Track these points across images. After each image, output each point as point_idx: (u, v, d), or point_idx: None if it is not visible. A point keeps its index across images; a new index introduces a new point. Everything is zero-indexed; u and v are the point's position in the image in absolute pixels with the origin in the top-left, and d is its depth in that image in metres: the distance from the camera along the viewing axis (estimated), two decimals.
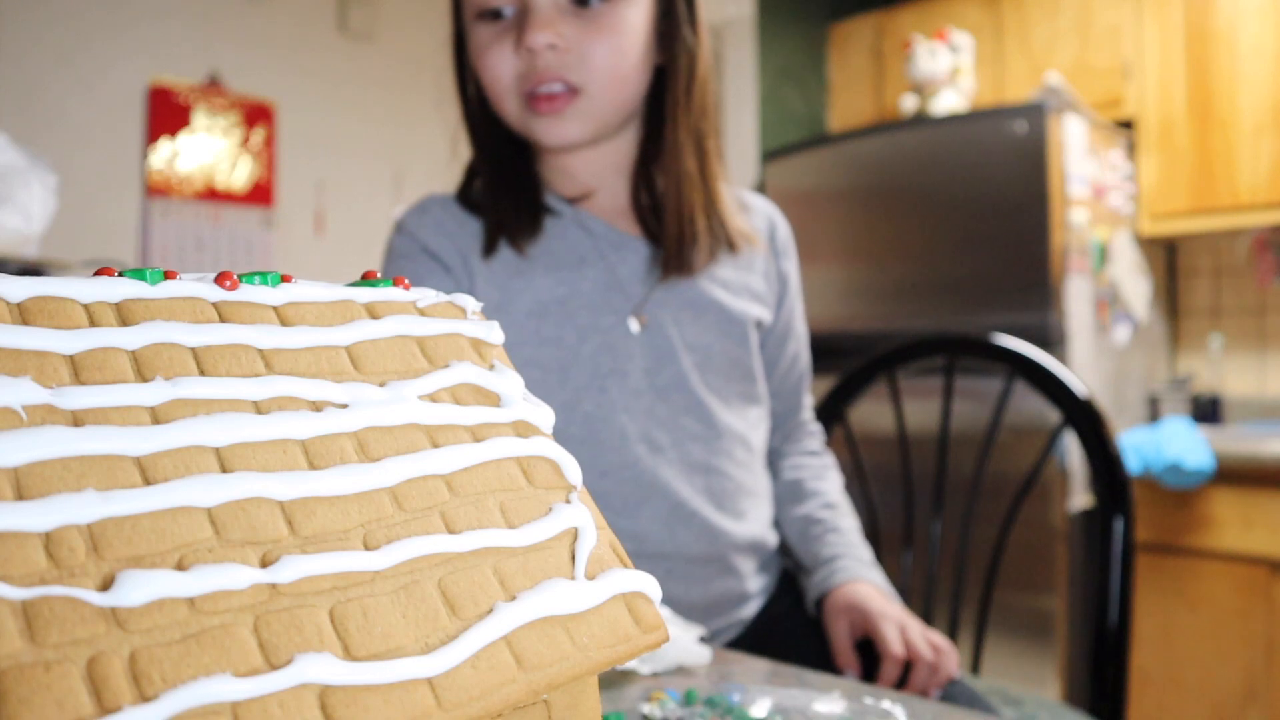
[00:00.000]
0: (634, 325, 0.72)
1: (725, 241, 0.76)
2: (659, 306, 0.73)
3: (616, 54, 0.68)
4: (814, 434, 0.87)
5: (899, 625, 0.66)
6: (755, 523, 0.77)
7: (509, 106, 0.70)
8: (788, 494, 0.82)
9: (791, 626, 0.75)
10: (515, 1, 0.68)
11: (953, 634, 0.95)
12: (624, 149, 0.76)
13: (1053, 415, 1.86)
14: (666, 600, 0.72)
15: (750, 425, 0.78)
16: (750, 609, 0.77)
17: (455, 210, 0.75)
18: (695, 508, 0.73)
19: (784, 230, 0.84)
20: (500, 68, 0.69)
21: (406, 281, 0.33)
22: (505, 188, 0.73)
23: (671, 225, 0.73)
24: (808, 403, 0.87)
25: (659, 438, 0.72)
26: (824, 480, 0.82)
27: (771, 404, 0.84)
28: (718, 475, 0.75)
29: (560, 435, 0.70)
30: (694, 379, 0.74)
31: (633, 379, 0.72)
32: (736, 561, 0.75)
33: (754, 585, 0.78)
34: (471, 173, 0.78)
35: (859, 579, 0.71)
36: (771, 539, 0.79)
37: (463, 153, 0.79)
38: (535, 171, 0.76)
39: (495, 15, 0.68)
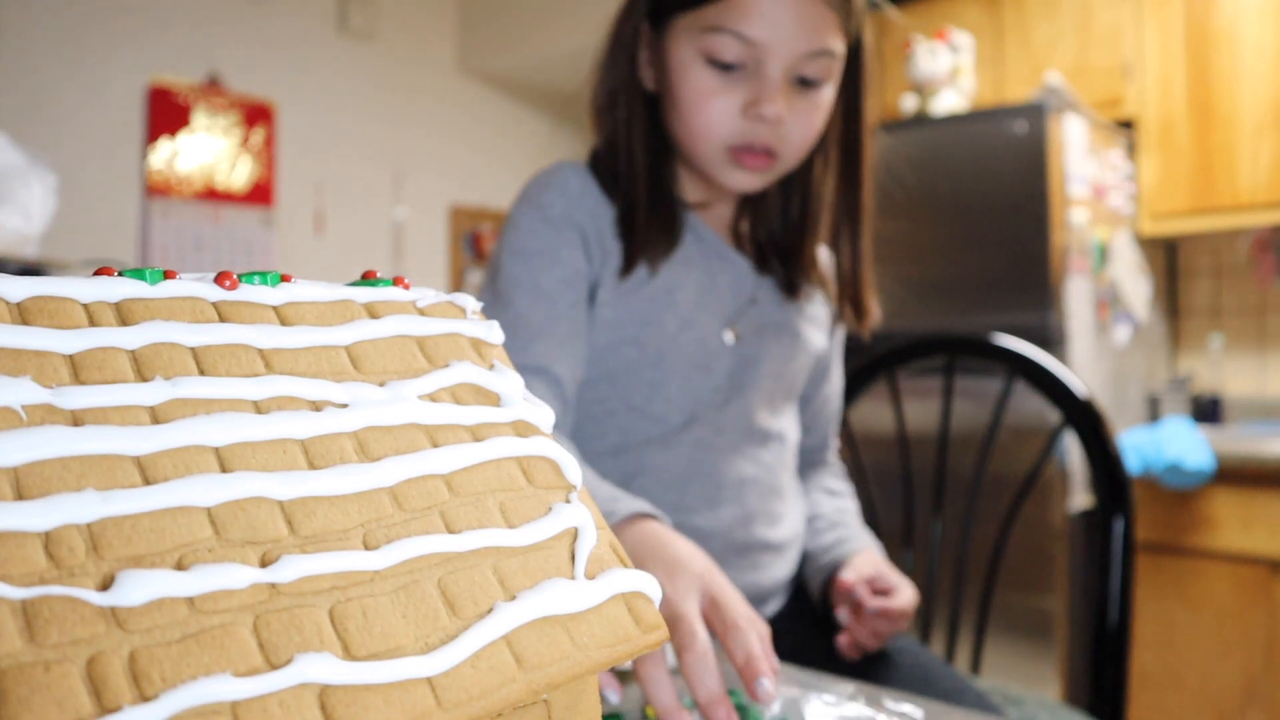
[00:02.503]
0: (729, 337, 0.78)
1: (869, 313, 0.84)
2: (751, 322, 0.79)
3: (813, 131, 0.74)
4: (836, 473, 0.91)
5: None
6: (787, 527, 0.80)
7: (709, 150, 0.73)
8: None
9: (799, 629, 0.76)
10: (749, 62, 0.70)
11: (952, 634, 0.95)
12: None
13: (1053, 415, 1.86)
14: None
15: (794, 431, 0.85)
16: (769, 608, 0.79)
17: (593, 185, 0.78)
18: (737, 494, 0.77)
19: None
20: (719, 116, 0.71)
21: (406, 281, 0.33)
22: (656, 213, 0.76)
23: (809, 266, 0.81)
24: (834, 444, 0.91)
25: (724, 427, 0.78)
26: (833, 502, 0.87)
27: (802, 437, 0.88)
28: (766, 470, 0.79)
29: (640, 411, 0.76)
30: (765, 388, 0.79)
31: (715, 376, 0.77)
32: (764, 559, 0.78)
33: (776, 587, 0.79)
34: (599, 156, 0.80)
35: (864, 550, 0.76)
36: (798, 546, 0.82)
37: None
38: (675, 188, 0.79)
39: (724, 66, 0.71)
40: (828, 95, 0.73)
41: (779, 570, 0.79)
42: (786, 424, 0.83)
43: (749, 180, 0.74)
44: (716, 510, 0.76)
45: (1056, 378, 0.88)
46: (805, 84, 0.72)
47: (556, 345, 0.71)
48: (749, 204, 0.82)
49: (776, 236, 0.82)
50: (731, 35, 0.69)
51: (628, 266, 0.75)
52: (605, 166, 0.78)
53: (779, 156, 0.73)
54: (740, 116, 0.71)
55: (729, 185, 0.75)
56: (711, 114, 0.71)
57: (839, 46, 0.72)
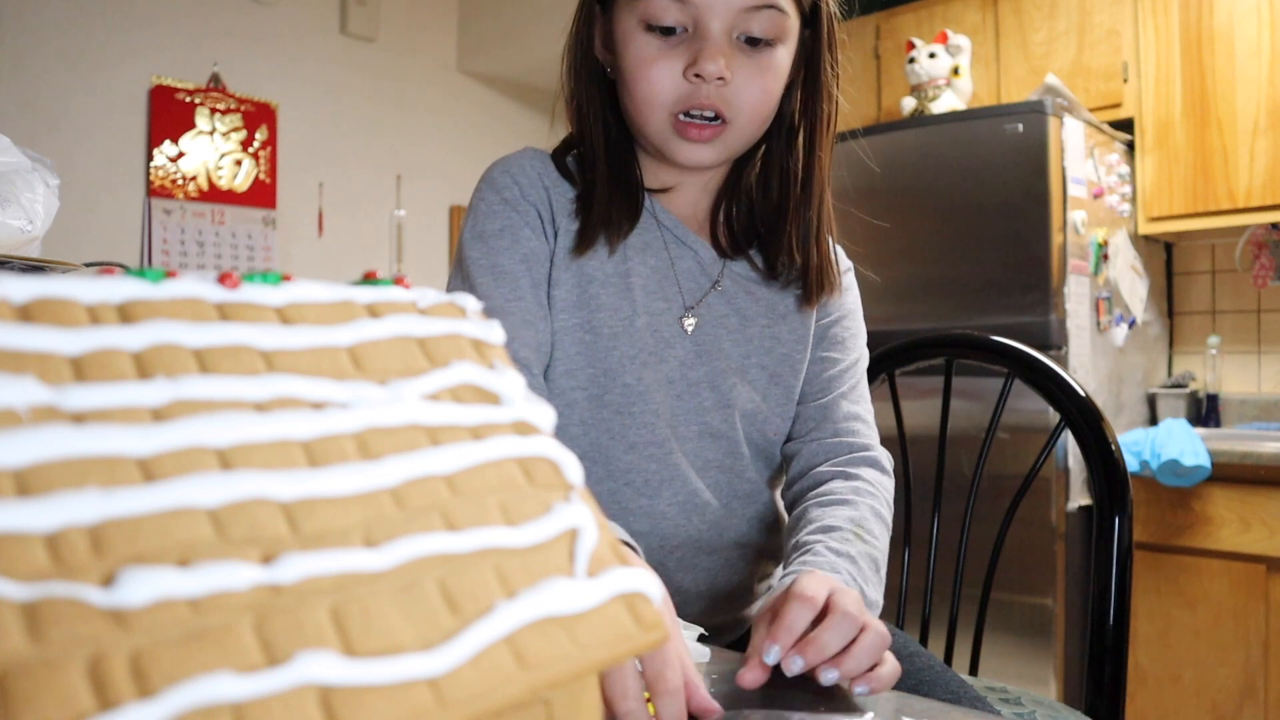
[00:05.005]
0: (689, 322, 0.76)
1: (823, 285, 0.79)
2: (713, 310, 0.77)
3: (765, 94, 0.71)
4: (873, 462, 0.78)
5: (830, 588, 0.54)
6: (767, 526, 0.79)
7: (656, 119, 0.71)
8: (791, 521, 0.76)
9: None
10: (689, 24, 0.69)
11: (951, 633, 0.95)
12: (717, 174, 0.80)
13: (1053, 415, 1.86)
14: (674, 588, 0.73)
15: (774, 437, 0.80)
16: (756, 608, 0.78)
17: (552, 168, 0.77)
18: (708, 499, 0.75)
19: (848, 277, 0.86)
20: (662, 83, 0.70)
21: (407, 281, 0.33)
22: (616, 189, 0.75)
23: (800, 256, 0.77)
24: (859, 428, 0.80)
25: (682, 429, 0.75)
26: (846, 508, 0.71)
27: (810, 428, 0.80)
28: (730, 475, 0.77)
29: (599, 401, 0.73)
30: (725, 383, 0.76)
31: (668, 366, 0.75)
32: (744, 558, 0.77)
33: (761, 585, 0.78)
34: (569, 144, 0.80)
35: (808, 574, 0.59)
36: (774, 547, 0.80)
37: (559, 130, 0.81)
38: (637, 169, 0.78)
39: (665, 31, 0.69)
40: (780, 56, 0.71)
41: (762, 567, 0.78)
42: (760, 437, 0.78)
43: (698, 152, 0.72)
44: (689, 517, 0.74)
45: (1056, 377, 0.88)
46: (753, 43, 0.70)
47: (520, 326, 0.70)
48: (728, 189, 0.80)
49: (756, 221, 0.80)
50: None
51: (585, 243, 0.73)
52: (572, 152, 0.78)
53: (728, 122, 0.71)
54: (683, 80, 0.69)
55: (679, 159, 0.73)
56: (654, 80, 0.70)
57: (786, 2, 0.70)
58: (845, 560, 0.64)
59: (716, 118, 0.70)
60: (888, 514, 0.73)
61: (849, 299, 0.84)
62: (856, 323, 0.85)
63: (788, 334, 0.79)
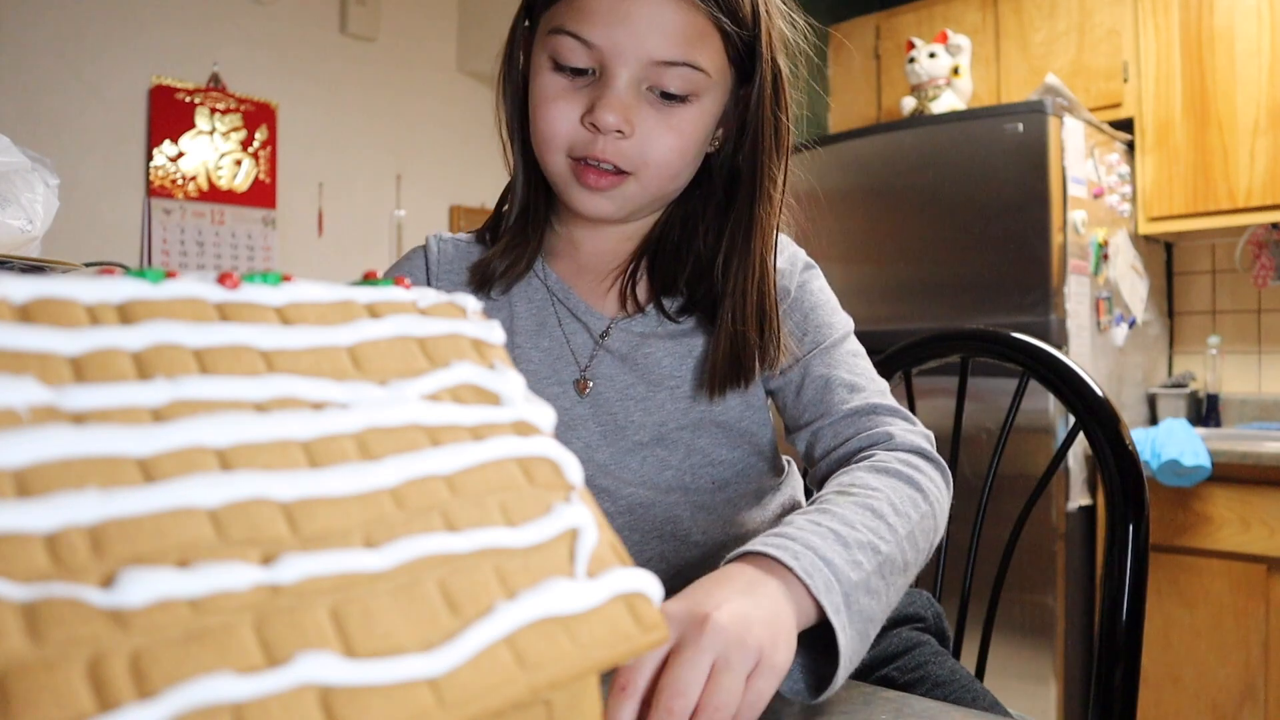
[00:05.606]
0: (582, 390, 0.71)
1: (774, 348, 0.69)
2: (601, 363, 0.71)
3: (675, 153, 0.66)
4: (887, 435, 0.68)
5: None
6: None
7: (553, 161, 0.67)
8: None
9: None
10: (596, 67, 0.64)
11: (959, 635, 0.95)
12: (643, 221, 0.75)
13: (1052, 413, 1.86)
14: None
15: (715, 467, 0.72)
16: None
17: (428, 256, 0.77)
18: (697, 553, 0.70)
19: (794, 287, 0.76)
20: (559, 124, 0.65)
21: (407, 281, 0.33)
22: (514, 240, 0.72)
23: (744, 324, 0.68)
24: (856, 399, 0.70)
25: (619, 495, 0.70)
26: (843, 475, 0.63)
27: (816, 426, 0.72)
28: (711, 515, 0.72)
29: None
30: (639, 440, 0.70)
31: (586, 434, 0.70)
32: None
33: None
34: (499, 210, 0.76)
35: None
36: None
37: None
38: (551, 212, 0.75)
39: (576, 71, 0.65)
40: (693, 115, 0.66)
41: None
42: (693, 479, 0.71)
43: (595, 202, 0.67)
44: (687, 575, 0.65)
45: (1074, 377, 0.85)
46: (668, 98, 0.64)
47: None
48: (654, 237, 0.74)
49: (682, 274, 0.72)
50: (571, 37, 0.63)
51: (479, 284, 0.72)
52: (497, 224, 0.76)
53: (631, 175, 0.66)
54: (580, 125, 0.64)
55: (577, 208, 0.68)
56: (552, 119, 0.65)
57: (708, 61, 0.64)
58: (808, 529, 0.52)
59: (616, 170, 0.66)
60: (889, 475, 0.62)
61: (806, 300, 0.75)
62: (826, 315, 0.75)
63: (686, 365, 0.72)
